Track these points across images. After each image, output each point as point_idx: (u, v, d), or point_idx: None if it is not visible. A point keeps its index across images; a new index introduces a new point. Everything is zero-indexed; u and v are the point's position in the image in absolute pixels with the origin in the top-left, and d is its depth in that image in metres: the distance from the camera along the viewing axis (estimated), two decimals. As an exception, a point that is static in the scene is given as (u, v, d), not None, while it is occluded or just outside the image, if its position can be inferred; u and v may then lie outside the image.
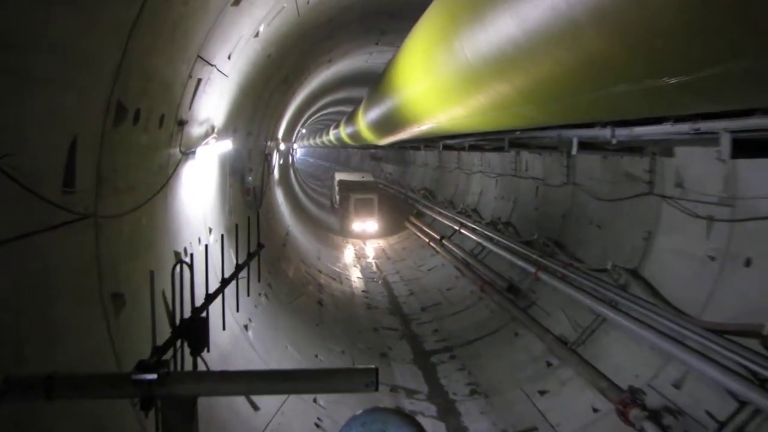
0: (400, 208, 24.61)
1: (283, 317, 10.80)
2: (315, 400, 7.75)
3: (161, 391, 2.59)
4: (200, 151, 6.86)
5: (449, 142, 14.04)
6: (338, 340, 11.34)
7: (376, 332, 12.58)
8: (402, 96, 7.81)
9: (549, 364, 9.46)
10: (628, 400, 6.83)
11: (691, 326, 6.63)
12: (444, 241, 18.26)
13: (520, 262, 12.32)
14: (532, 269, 11.49)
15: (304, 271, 15.63)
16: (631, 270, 8.51)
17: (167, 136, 5.73)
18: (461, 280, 15.20)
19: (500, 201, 15.81)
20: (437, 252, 18.32)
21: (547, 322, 10.40)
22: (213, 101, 7.45)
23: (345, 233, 23.15)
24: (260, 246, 4.38)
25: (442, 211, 20.05)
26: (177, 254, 6.08)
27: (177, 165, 6.19)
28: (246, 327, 8.36)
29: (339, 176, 26.66)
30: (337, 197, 25.10)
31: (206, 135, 7.37)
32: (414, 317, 13.77)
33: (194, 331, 3.17)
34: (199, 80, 6.33)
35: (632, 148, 7.88)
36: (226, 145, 8.46)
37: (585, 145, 6.91)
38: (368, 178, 27.39)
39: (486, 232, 15.19)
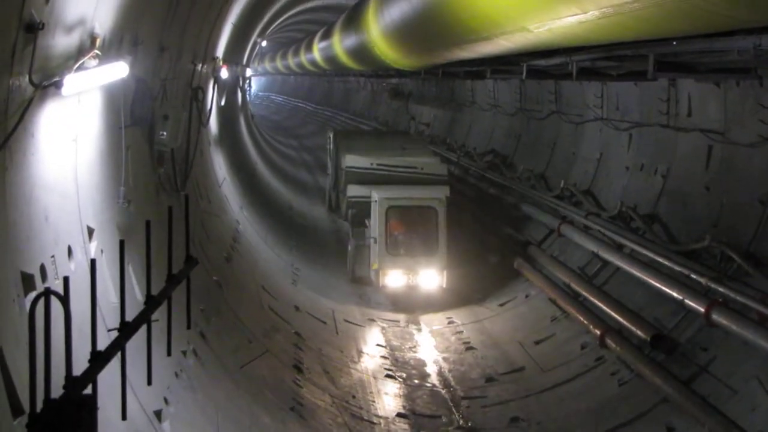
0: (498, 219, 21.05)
1: (227, 395, 10.84)
2: None
3: None
4: (70, 82, 6.90)
5: (539, 63, 14.00)
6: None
7: (404, 422, 12.63)
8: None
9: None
10: None
11: None
12: (530, 251, 18.25)
13: (675, 293, 12.14)
14: (700, 307, 11.35)
15: (266, 306, 15.67)
16: None
17: (3, 53, 5.73)
18: (562, 325, 15.17)
19: (638, 174, 15.73)
20: (517, 271, 18.31)
21: (732, 405, 10.30)
22: (95, -13, 7.44)
23: (363, 292, 19.19)
24: (191, 261, 4.40)
25: (526, 193, 19.98)
26: (27, 278, 6.10)
27: (25, 109, 6.16)
28: (159, 414, 8.43)
29: (343, 144, 22.37)
30: (343, 200, 20.98)
31: (80, 52, 7.36)
32: (473, 393, 13.82)
33: (69, 422, 3.18)
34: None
35: None
36: (119, 72, 8.46)
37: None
38: (416, 145, 23.01)
39: (610, 234, 15.07)
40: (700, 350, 11.63)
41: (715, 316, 10.97)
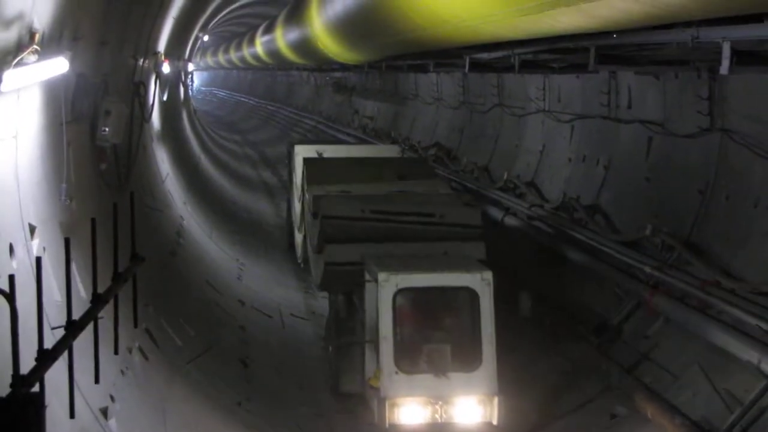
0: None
1: (174, 392, 10.78)
2: None
3: None
4: (9, 78, 6.81)
5: (482, 56, 14.03)
6: (280, 429, 11.39)
7: (347, 417, 12.63)
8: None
9: (677, 471, 9.56)
10: None
11: None
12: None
13: (618, 282, 12.35)
14: (641, 295, 11.56)
15: (212, 302, 15.58)
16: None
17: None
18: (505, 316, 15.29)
19: (580, 166, 15.88)
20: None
21: (673, 391, 10.45)
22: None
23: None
24: (137, 259, 4.36)
25: (470, 186, 20.04)
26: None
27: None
28: (105, 412, 8.36)
29: (314, 171, 15.38)
30: (317, 262, 13.39)
31: (19, 47, 7.27)
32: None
33: (17, 420, 3.14)
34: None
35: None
36: (59, 67, 8.35)
37: (746, 56, 6.91)
38: (418, 170, 16.01)
39: (554, 225, 15.20)
40: (643, 338, 11.78)
41: (656, 304, 11.13)
